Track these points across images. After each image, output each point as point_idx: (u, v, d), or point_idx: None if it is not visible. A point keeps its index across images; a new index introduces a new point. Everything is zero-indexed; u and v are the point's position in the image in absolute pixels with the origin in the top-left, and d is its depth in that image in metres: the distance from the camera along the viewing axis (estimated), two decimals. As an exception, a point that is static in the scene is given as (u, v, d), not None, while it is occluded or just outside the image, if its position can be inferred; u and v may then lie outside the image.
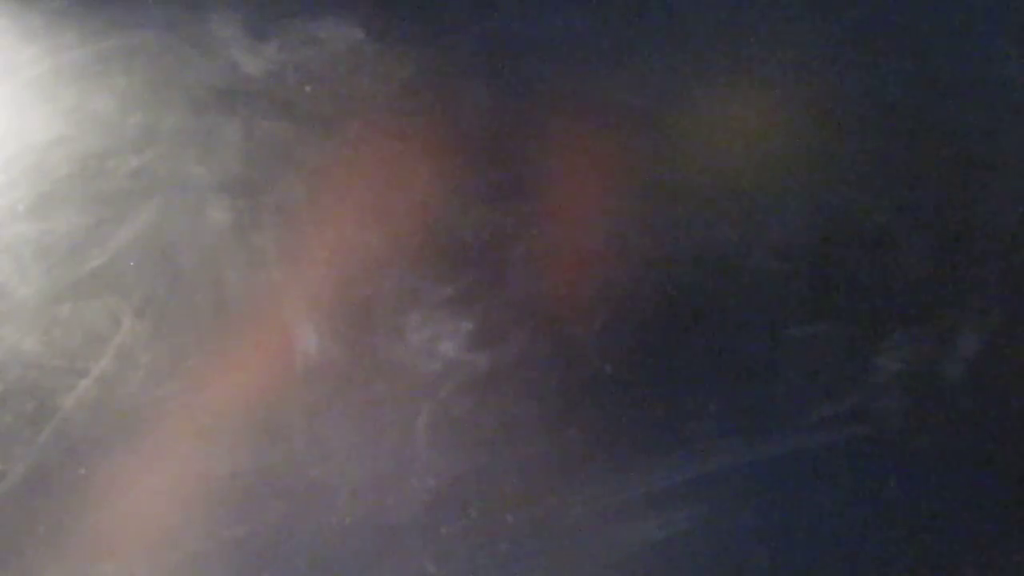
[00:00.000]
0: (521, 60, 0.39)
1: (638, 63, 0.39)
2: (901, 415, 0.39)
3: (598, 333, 0.38)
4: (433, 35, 0.39)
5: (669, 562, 0.39)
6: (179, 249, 0.38)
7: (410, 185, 0.38)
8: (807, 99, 0.40)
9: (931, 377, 0.39)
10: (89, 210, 0.38)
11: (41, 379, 0.37)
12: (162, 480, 0.38)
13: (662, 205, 0.39)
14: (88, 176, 0.38)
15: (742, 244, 0.39)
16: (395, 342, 0.38)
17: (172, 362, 0.38)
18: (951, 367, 0.39)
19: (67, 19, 0.39)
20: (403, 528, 0.38)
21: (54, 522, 0.38)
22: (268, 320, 0.38)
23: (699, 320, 0.39)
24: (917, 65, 0.40)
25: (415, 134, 0.38)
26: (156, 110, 0.38)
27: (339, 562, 0.38)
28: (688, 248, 0.39)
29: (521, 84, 0.39)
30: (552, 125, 0.39)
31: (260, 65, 0.38)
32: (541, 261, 0.38)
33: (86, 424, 0.37)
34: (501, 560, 0.38)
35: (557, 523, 0.38)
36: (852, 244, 0.39)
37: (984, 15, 0.40)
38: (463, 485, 0.38)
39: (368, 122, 0.38)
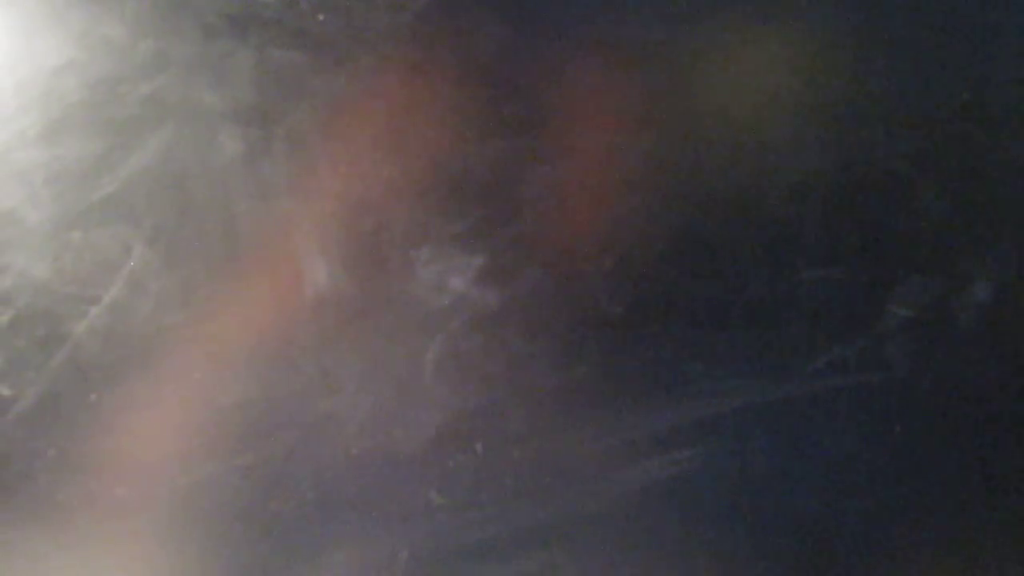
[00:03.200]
0: (537, -6, 0.38)
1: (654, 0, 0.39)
2: (911, 360, 0.39)
3: (608, 272, 0.38)
4: (449, -35, 0.38)
5: (673, 502, 0.39)
6: (190, 177, 0.37)
7: (423, 118, 0.38)
8: (824, 41, 0.39)
9: (942, 323, 0.39)
10: (100, 137, 0.37)
11: (52, 306, 0.38)
12: (171, 407, 0.38)
13: (675, 144, 0.38)
14: (98, 102, 0.38)
15: (755, 185, 0.38)
16: (405, 275, 0.38)
17: (182, 290, 0.38)
18: (963, 313, 0.39)
19: (77, -58, 0.38)
20: (409, 460, 0.38)
21: (65, 447, 0.38)
22: (278, 250, 0.38)
23: (710, 261, 0.38)
24: (935, 8, 0.39)
25: (428, 66, 0.38)
26: (167, 36, 0.38)
27: (345, 491, 0.38)
28: (700, 189, 0.38)
29: (536, 18, 0.38)
30: (567, 60, 0.38)
31: (273, -8, 0.38)
32: (553, 198, 0.38)
33: (97, 351, 0.38)
34: (505, 494, 0.39)
35: (562, 460, 0.39)
36: (866, 188, 0.39)
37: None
38: (470, 419, 0.38)
39: (381, 53, 0.38)
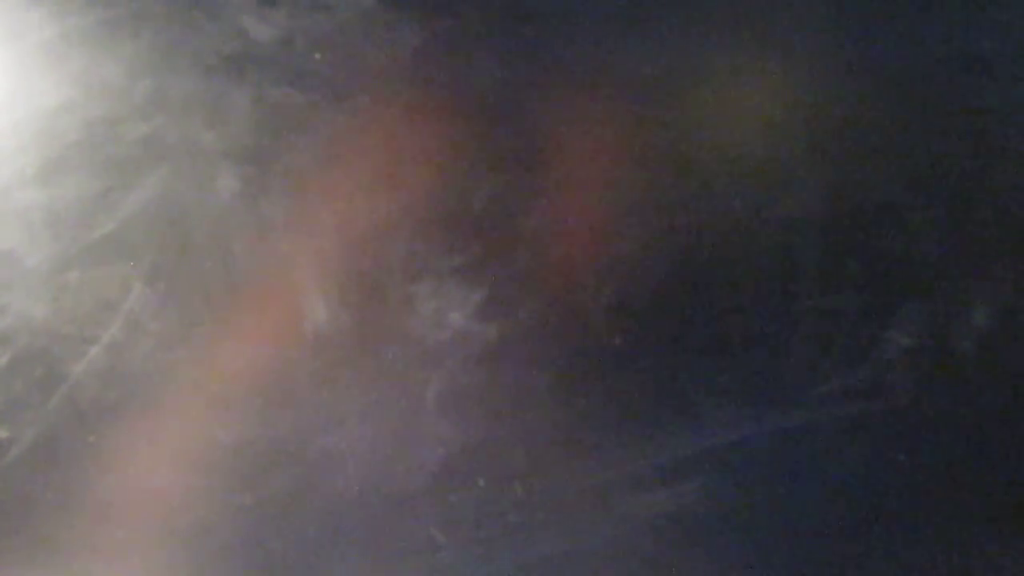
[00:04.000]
0: (532, 30, 0.39)
1: (650, 33, 0.39)
2: (911, 389, 0.39)
3: (607, 305, 0.38)
4: (445, 3, 0.38)
5: (677, 534, 0.39)
6: (188, 216, 0.38)
7: (420, 154, 0.38)
8: (820, 71, 0.39)
9: (942, 351, 0.39)
10: (98, 176, 0.38)
11: (50, 346, 0.38)
12: (171, 447, 0.38)
13: (673, 176, 0.39)
14: (96, 142, 0.38)
15: (753, 216, 0.39)
16: (404, 311, 0.38)
17: (181, 329, 0.38)
18: (962, 341, 0.39)
19: (75, -17, 0.39)
20: (411, 497, 0.38)
21: (64, 488, 0.38)
22: (277, 288, 0.38)
23: (709, 293, 0.39)
24: (931, 37, 0.39)
25: (425, 103, 0.38)
26: (165, 76, 0.38)
27: (347, 530, 0.38)
28: (699, 219, 0.39)
29: (532, 54, 0.39)
30: (563, 96, 0.39)
31: (270, 31, 0.38)
32: (551, 232, 0.38)
33: (95, 391, 0.38)
34: (509, 530, 0.39)
35: (565, 494, 0.39)
36: (864, 217, 0.39)
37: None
38: (471, 455, 0.38)
39: (378, 90, 0.38)
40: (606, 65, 0.39)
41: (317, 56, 0.38)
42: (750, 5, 0.39)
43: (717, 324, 0.39)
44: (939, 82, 0.39)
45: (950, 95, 0.39)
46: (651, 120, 0.39)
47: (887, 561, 0.40)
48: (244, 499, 0.38)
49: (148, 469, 0.38)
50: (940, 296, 0.39)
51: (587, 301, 0.38)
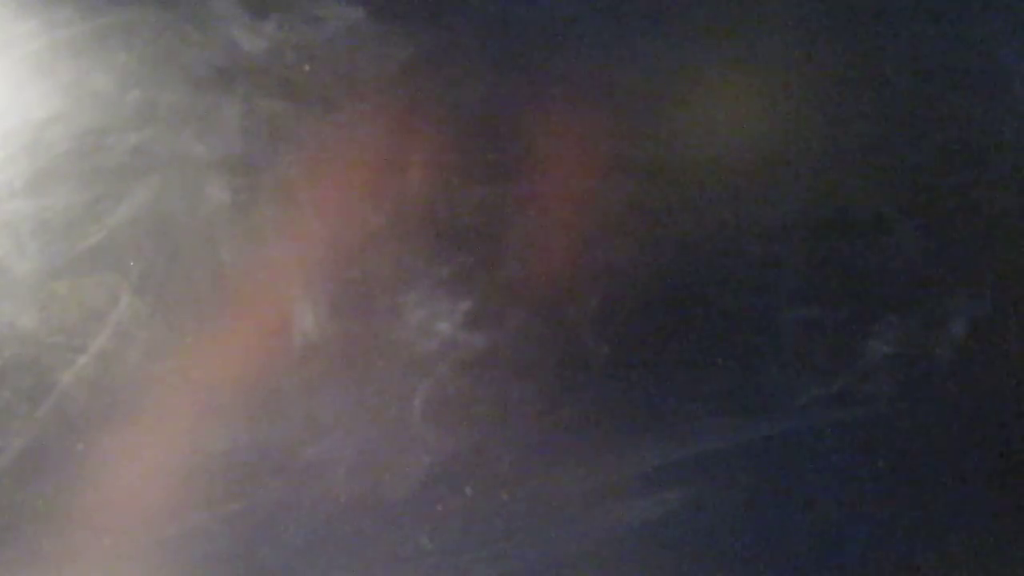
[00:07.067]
0: (521, 42, 0.39)
1: (637, 47, 0.39)
2: (891, 398, 0.39)
3: (593, 314, 0.39)
4: (433, 16, 0.39)
5: (661, 540, 0.39)
6: (177, 226, 0.38)
7: (409, 165, 0.38)
8: (802, 84, 0.40)
9: (921, 361, 0.39)
10: (87, 186, 0.38)
11: (39, 355, 0.38)
12: (159, 456, 0.38)
13: (658, 188, 0.39)
14: (86, 152, 0.38)
15: (737, 227, 0.39)
16: (392, 321, 0.38)
17: (170, 339, 0.38)
18: (941, 351, 0.39)
19: (65, -6, 0.39)
20: (399, 504, 0.38)
21: (52, 497, 0.38)
22: (266, 298, 0.38)
23: (693, 302, 0.39)
24: (912, 51, 0.40)
25: (414, 114, 0.38)
26: (155, 87, 0.38)
27: (335, 537, 0.38)
28: (683, 231, 0.39)
29: (520, 66, 0.39)
30: (551, 107, 0.39)
31: (260, 43, 0.38)
32: (538, 242, 0.39)
33: (84, 400, 0.38)
34: (495, 537, 0.39)
35: (551, 501, 0.39)
36: (845, 229, 0.39)
37: (983, 4, 0.41)
38: (458, 463, 0.38)
39: (367, 101, 0.38)
40: (592, 78, 0.39)
41: (307, 68, 0.38)
42: (735, 18, 0.40)
43: (700, 334, 0.39)
44: (920, 96, 0.40)
45: (931, 109, 0.40)
46: (636, 132, 0.39)
47: (866, 566, 0.40)
48: (233, 507, 0.38)
49: (137, 478, 0.38)
50: (918, 308, 0.39)
51: (573, 311, 0.39)
